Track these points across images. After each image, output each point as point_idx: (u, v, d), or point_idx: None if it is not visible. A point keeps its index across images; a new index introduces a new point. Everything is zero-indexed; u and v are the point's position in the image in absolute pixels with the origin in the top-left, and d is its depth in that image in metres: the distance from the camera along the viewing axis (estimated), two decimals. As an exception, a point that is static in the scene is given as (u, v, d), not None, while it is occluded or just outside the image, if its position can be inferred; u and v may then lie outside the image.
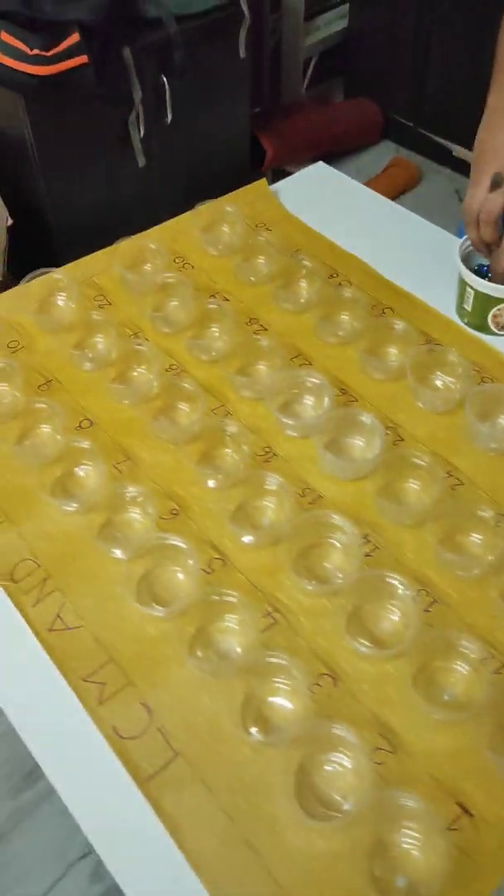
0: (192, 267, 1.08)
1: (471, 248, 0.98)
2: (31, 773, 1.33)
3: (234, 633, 0.73)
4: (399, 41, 2.53)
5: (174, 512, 0.82)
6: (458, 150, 2.58)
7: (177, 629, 0.73)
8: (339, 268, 1.07)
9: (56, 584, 0.77)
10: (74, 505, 0.82)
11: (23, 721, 0.69)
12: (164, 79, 1.73)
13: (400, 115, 2.66)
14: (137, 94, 1.69)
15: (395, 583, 0.72)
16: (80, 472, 0.86)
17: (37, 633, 0.74)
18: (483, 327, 0.99)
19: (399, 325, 0.96)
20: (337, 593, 0.74)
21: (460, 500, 0.81)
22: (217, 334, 1.00)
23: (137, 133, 1.76)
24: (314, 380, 0.90)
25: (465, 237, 0.99)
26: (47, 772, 0.67)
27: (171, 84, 1.75)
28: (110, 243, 1.09)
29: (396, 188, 2.47)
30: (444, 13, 2.36)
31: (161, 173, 1.92)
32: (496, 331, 0.98)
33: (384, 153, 2.67)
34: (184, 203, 1.13)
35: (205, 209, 1.13)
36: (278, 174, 2.52)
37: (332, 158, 2.62)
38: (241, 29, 1.86)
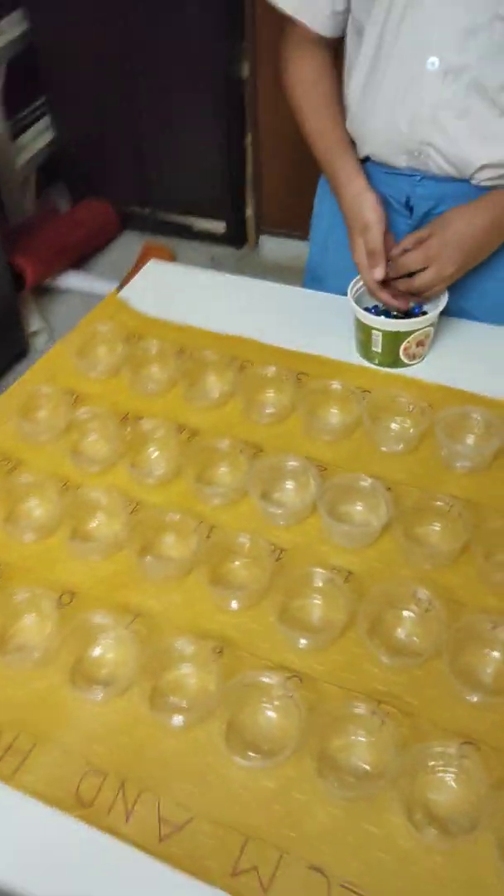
0: (89, 396, 1.00)
1: (360, 292, 1.01)
2: None
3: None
4: (109, 136, 2.60)
5: (219, 650, 0.73)
6: (197, 223, 2.69)
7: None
8: (235, 352, 1.04)
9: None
10: (104, 691, 0.70)
11: None
12: None
13: (131, 205, 2.73)
14: None
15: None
16: (107, 653, 0.75)
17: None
18: (396, 363, 1.02)
19: (331, 384, 0.96)
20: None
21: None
22: (157, 454, 0.93)
23: None
24: (293, 463, 0.87)
25: (352, 289, 1.02)
26: None
27: None
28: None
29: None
30: (148, 103, 2.47)
31: None
32: (409, 362, 1.02)
33: (130, 243, 2.72)
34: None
35: (72, 337, 1.06)
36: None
37: (84, 262, 2.62)
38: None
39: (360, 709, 0.67)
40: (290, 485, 0.88)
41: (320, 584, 0.77)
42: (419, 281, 0.95)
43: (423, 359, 1.03)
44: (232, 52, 2.28)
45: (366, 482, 0.84)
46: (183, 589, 0.80)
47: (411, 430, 0.93)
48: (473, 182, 0.98)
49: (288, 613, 0.77)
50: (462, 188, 0.99)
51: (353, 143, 1.05)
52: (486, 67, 0.88)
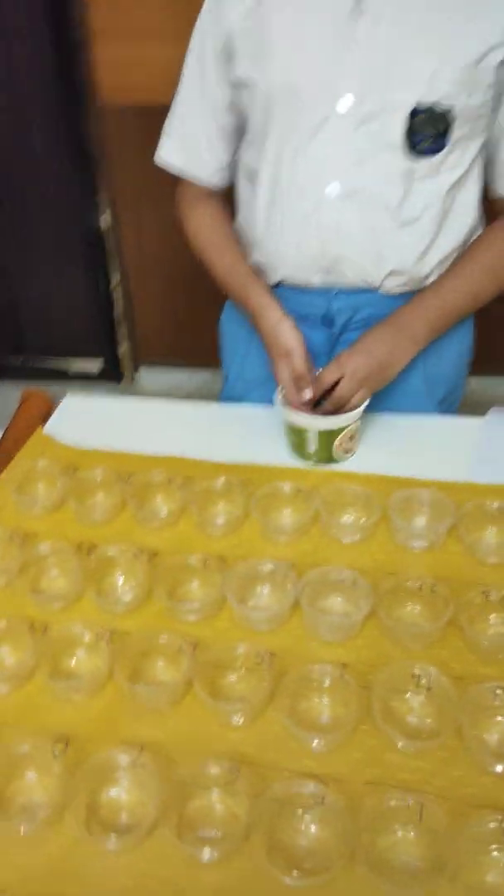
0: (37, 532, 0.97)
1: (282, 403, 1.07)
2: None
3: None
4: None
5: (236, 769, 0.70)
6: (73, 364, 2.72)
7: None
8: (176, 470, 1.05)
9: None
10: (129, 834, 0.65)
11: None
12: None
13: (5, 355, 2.73)
14: None
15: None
16: (120, 795, 0.69)
17: None
18: (331, 458, 1.06)
19: (281, 486, 0.98)
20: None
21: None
22: (122, 579, 0.90)
23: None
24: (267, 566, 0.87)
25: (278, 396, 1.07)
26: None
27: None
28: None
29: (42, 417, 2.49)
30: (14, 258, 2.52)
31: None
32: (343, 457, 1.07)
33: (7, 394, 2.68)
34: None
35: (7, 477, 1.03)
36: None
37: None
38: None
39: (397, 801, 0.66)
40: (265, 589, 0.88)
41: (321, 682, 0.76)
42: (338, 392, 1.02)
43: (355, 453, 1.08)
44: (91, 203, 2.40)
45: (342, 574, 0.85)
46: (182, 712, 0.76)
47: (363, 520, 0.96)
48: (383, 290, 1.07)
49: (296, 717, 0.75)
50: (375, 296, 1.08)
51: (260, 275, 1.13)
52: (382, 188, 0.99)
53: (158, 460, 1.07)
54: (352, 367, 1.01)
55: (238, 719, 0.75)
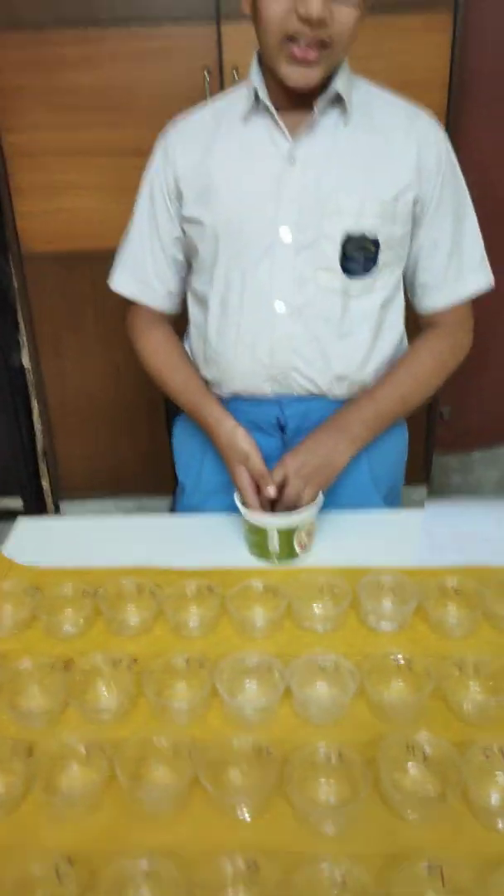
0: (9, 652, 0.95)
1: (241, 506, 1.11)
2: None
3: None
4: None
5: (254, 866, 0.69)
6: (-5, 503, 2.69)
7: None
8: (145, 579, 1.06)
9: None
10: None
11: None
12: None
13: None
14: None
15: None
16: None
17: None
18: (291, 555, 1.10)
19: (250, 585, 1.01)
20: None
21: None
22: (106, 689, 0.89)
23: None
24: (254, 659, 0.88)
25: (237, 500, 1.11)
26: None
27: None
28: None
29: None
30: None
31: None
32: (301, 553, 1.11)
33: None
34: None
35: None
36: None
37: None
38: None
39: (417, 870, 0.67)
40: (253, 683, 0.89)
41: (322, 765, 0.77)
42: (287, 491, 1.09)
43: (311, 549, 1.13)
44: (13, 342, 2.46)
45: (326, 659, 0.88)
46: (187, 814, 0.75)
47: (334, 608, 1.00)
48: (331, 396, 1.17)
49: (302, 804, 0.75)
50: (323, 402, 1.17)
51: (214, 389, 1.21)
52: (323, 304, 1.11)
53: (126, 571, 1.08)
54: (295, 466, 1.09)
55: (245, 813, 0.74)
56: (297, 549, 1.10)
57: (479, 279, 1.19)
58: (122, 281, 1.23)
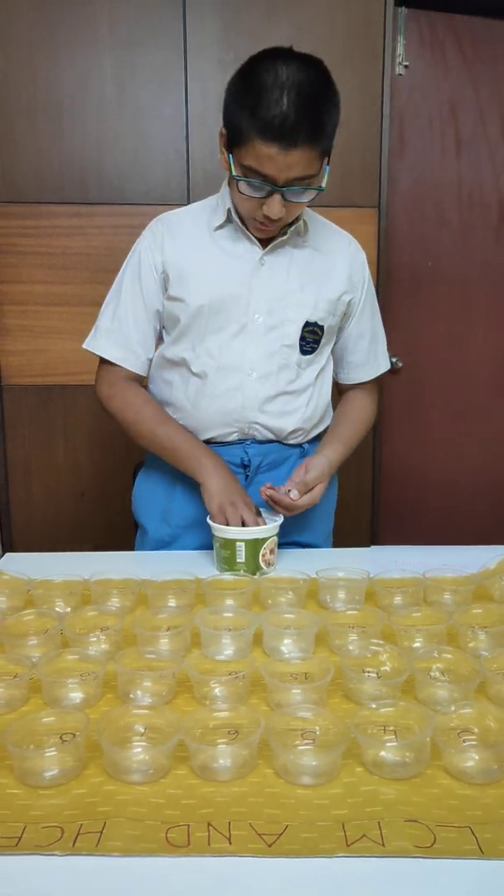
0: None
1: (212, 523, 1.28)
2: None
3: None
4: None
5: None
6: None
7: None
8: (125, 585, 1.18)
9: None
10: None
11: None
12: None
13: None
14: None
15: None
16: None
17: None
18: (257, 569, 1.25)
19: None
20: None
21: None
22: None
23: None
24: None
25: (209, 521, 1.28)
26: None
27: None
28: None
29: None
30: None
31: None
32: (266, 568, 1.26)
33: None
34: None
35: None
36: None
37: None
38: None
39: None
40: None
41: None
42: (310, 476, 1.32)
43: (275, 566, 1.28)
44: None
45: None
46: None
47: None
48: (287, 442, 1.41)
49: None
50: (278, 446, 1.44)
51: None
52: (284, 373, 1.38)
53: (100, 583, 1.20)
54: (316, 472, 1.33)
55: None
56: (263, 564, 1.25)
57: (386, 362, 1.57)
58: (107, 346, 1.41)
